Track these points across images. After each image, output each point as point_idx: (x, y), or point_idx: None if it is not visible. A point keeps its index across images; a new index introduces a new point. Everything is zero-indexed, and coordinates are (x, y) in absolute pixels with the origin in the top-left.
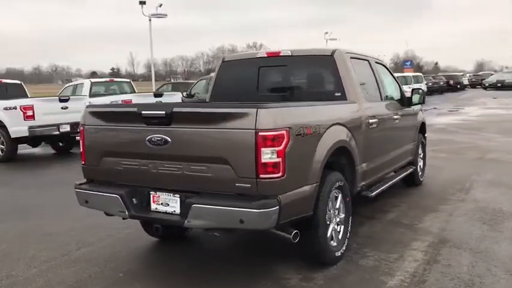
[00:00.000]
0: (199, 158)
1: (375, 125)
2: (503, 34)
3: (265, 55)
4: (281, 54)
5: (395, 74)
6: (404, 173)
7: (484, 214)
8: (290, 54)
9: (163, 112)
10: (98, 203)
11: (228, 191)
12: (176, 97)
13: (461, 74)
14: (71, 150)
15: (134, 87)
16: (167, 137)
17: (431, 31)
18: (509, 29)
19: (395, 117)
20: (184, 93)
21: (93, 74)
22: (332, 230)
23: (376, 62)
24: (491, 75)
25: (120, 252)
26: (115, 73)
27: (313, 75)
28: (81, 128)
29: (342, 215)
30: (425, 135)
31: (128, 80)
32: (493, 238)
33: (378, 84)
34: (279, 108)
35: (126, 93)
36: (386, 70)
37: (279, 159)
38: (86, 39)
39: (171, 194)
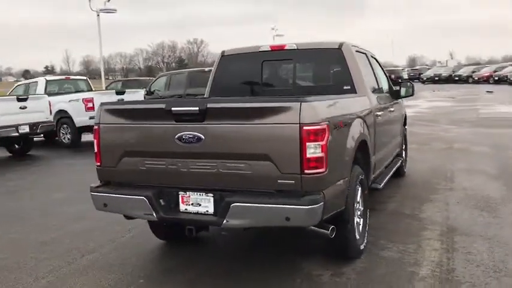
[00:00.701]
0: (236, 155)
1: (380, 118)
2: (434, 30)
3: (269, 49)
4: (286, 47)
5: None
6: (397, 165)
7: (477, 201)
8: (296, 47)
9: (197, 108)
10: (119, 206)
11: (268, 188)
12: (139, 94)
13: (402, 68)
14: (29, 153)
15: (91, 85)
16: (200, 134)
17: (366, 28)
18: (440, 25)
19: (391, 109)
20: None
21: (26, 73)
22: (356, 223)
23: (371, 55)
24: (428, 69)
25: (130, 257)
26: (49, 71)
27: (321, 69)
28: (96, 127)
29: (362, 208)
30: (406, 127)
31: (85, 78)
32: (497, 224)
33: (375, 77)
34: (318, 101)
35: (82, 91)
36: (377, 63)
37: (323, 154)
38: (15, 36)
39: (203, 194)
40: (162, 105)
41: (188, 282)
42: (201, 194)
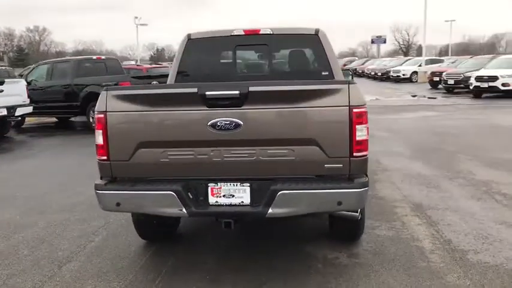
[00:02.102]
0: (279, 141)
1: None
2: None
3: (243, 33)
4: (261, 32)
5: None
6: None
7: (416, 179)
8: (271, 32)
9: (237, 92)
10: (139, 203)
11: (313, 173)
12: (21, 84)
13: None
14: (6, 135)
15: None
16: (239, 120)
17: (220, 20)
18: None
19: None
20: None
21: None
22: None
23: None
24: None
25: (119, 261)
26: None
27: (297, 55)
28: (101, 116)
29: None
30: None
31: None
32: (450, 198)
33: None
34: (356, 83)
35: None
36: None
37: (367, 137)
38: None
39: (238, 184)
40: (193, 89)
41: (203, 278)
42: (236, 184)
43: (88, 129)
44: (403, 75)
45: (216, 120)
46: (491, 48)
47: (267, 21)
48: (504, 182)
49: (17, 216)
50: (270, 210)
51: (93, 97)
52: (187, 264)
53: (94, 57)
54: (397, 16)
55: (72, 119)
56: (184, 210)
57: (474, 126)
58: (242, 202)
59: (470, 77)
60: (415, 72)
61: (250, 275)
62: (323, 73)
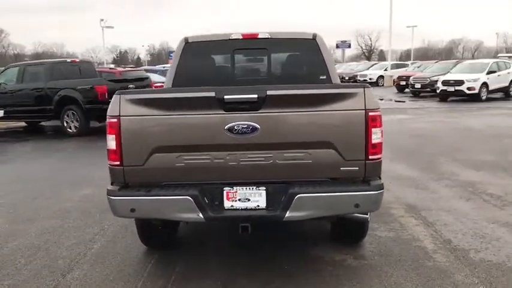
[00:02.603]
0: (296, 145)
1: None
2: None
3: (241, 37)
4: (259, 36)
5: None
6: None
7: (403, 181)
8: (269, 36)
9: (255, 96)
10: (155, 209)
11: (329, 176)
12: None
13: None
14: None
15: None
16: (256, 124)
17: (183, 23)
18: (252, 24)
19: None
20: None
21: None
22: None
23: None
24: None
25: (124, 268)
26: None
27: (296, 59)
28: (114, 121)
29: None
30: None
31: None
32: (440, 198)
33: None
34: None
35: None
36: None
37: (381, 140)
38: None
39: (254, 188)
40: (211, 93)
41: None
42: (252, 188)
43: (61, 134)
44: (370, 79)
45: (233, 124)
46: (449, 53)
47: (232, 23)
48: (488, 183)
49: (6, 224)
50: (287, 214)
51: (68, 101)
52: (196, 270)
53: (68, 59)
54: (359, 21)
55: (43, 123)
56: (201, 215)
57: (447, 129)
58: (258, 206)
59: (437, 81)
60: (382, 77)
61: (263, 279)
62: (321, 77)
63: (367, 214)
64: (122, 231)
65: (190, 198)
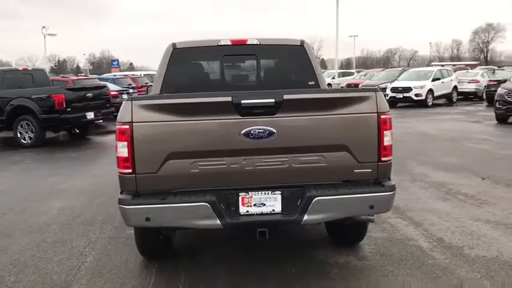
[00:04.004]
0: (311, 148)
1: None
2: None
3: (230, 43)
4: (248, 42)
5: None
6: None
7: None
8: (258, 43)
9: (273, 100)
10: (171, 217)
11: (343, 178)
12: None
13: None
14: None
15: None
16: (272, 128)
17: (124, 32)
18: (194, 33)
19: None
20: None
21: None
22: None
23: None
24: None
25: (127, 281)
26: None
27: (284, 65)
28: (126, 127)
29: None
30: None
31: None
32: (419, 199)
33: None
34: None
35: None
36: None
37: (391, 142)
38: None
39: (269, 192)
40: (227, 98)
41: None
42: (267, 192)
43: (14, 146)
44: None
45: (250, 128)
46: (386, 61)
47: (172, 31)
48: (459, 183)
49: None
50: (305, 217)
51: (21, 110)
52: (202, 278)
53: (20, 67)
54: (302, 31)
55: None
56: (218, 221)
57: (404, 134)
58: (273, 210)
59: (385, 88)
60: (329, 84)
61: (274, 285)
62: (309, 83)
63: (372, 215)
64: (112, 243)
65: (208, 204)
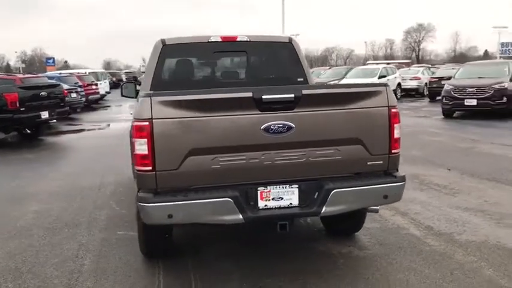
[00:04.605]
0: (327, 142)
1: None
2: (125, 36)
3: (220, 39)
4: (238, 39)
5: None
6: None
7: None
8: (248, 39)
9: (292, 95)
10: (194, 213)
11: (356, 171)
12: None
13: (122, 72)
14: None
15: None
16: (291, 123)
17: (56, 29)
18: (129, 31)
19: None
20: None
21: None
22: None
23: None
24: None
25: (136, 282)
26: None
27: (274, 61)
28: (146, 124)
29: None
30: None
31: None
32: None
33: None
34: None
35: None
36: None
37: (400, 135)
38: None
39: (287, 186)
40: (248, 94)
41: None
42: (284, 186)
43: None
44: None
45: (270, 123)
46: (324, 60)
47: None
48: (429, 174)
49: None
50: (323, 209)
51: None
52: (213, 275)
53: None
54: (244, 29)
55: None
56: (240, 216)
57: None
58: (291, 204)
59: None
60: None
61: (287, 277)
62: (298, 79)
63: (377, 206)
64: (106, 245)
65: (230, 199)
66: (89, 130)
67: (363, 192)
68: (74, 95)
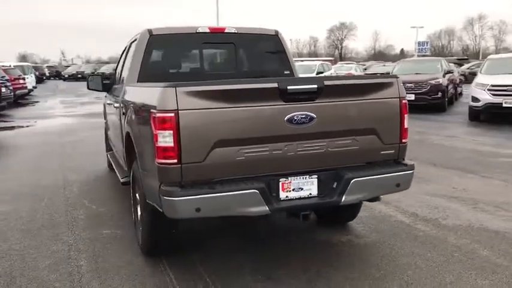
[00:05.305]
0: (346, 132)
1: None
2: (41, 28)
3: (208, 30)
4: (226, 31)
5: None
6: None
7: None
8: (235, 31)
9: (315, 86)
10: (222, 206)
11: (370, 160)
12: None
13: (45, 66)
14: None
15: None
16: (313, 114)
17: None
18: (45, 23)
19: None
20: None
21: None
22: None
23: None
24: (67, 67)
25: (147, 280)
26: None
27: (262, 54)
28: (171, 115)
29: None
30: None
31: None
32: None
33: None
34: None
35: None
36: None
37: (408, 125)
38: None
39: (307, 177)
40: (273, 84)
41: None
42: (304, 177)
43: None
44: None
45: (293, 114)
46: None
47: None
48: None
49: None
50: (343, 198)
51: None
52: (224, 269)
53: None
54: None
55: None
56: (266, 207)
57: None
58: (310, 194)
59: None
60: None
61: (299, 268)
62: (285, 72)
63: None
64: (97, 244)
65: (257, 191)
66: (25, 127)
67: (380, 181)
68: (3, 89)
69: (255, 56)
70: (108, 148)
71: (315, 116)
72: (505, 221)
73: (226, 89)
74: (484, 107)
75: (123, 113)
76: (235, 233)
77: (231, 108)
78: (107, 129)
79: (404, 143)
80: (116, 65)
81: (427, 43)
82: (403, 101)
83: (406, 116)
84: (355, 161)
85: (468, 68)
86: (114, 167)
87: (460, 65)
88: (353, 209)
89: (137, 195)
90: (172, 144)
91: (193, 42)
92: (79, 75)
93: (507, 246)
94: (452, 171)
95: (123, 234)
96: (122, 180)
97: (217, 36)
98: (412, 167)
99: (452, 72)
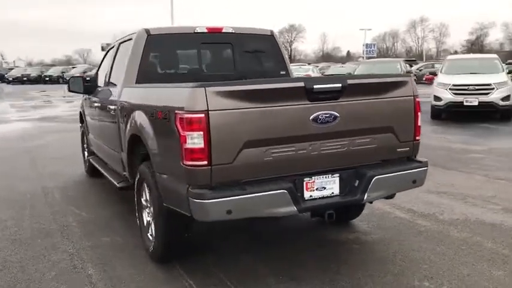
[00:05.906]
0: (366, 131)
1: None
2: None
3: (206, 30)
4: (224, 31)
5: None
6: None
7: None
8: (233, 31)
9: (339, 85)
10: (253, 207)
11: (387, 157)
12: None
13: None
14: None
15: None
16: (336, 113)
17: None
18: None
19: None
20: None
21: None
22: None
23: None
24: (10, 69)
25: (163, 286)
26: None
27: (259, 54)
28: (201, 116)
29: None
30: None
31: None
32: None
33: None
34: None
35: None
36: None
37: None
38: None
39: (329, 176)
40: (300, 83)
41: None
42: (327, 176)
43: None
44: None
45: (318, 113)
46: None
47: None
48: None
49: None
50: (365, 196)
51: None
52: (243, 273)
53: None
54: (131, 25)
55: None
56: (294, 207)
57: None
58: (332, 193)
59: None
60: None
61: (316, 267)
62: (281, 72)
63: None
64: (100, 252)
65: (286, 191)
66: None
67: (399, 178)
68: None
69: (252, 56)
70: (90, 153)
71: (338, 115)
72: (497, 214)
73: (255, 89)
74: (446, 106)
75: (124, 115)
76: (243, 234)
77: (258, 108)
78: (86, 134)
79: (418, 140)
80: (97, 67)
81: (374, 45)
82: (417, 99)
83: (419, 113)
84: (372, 159)
85: (417, 69)
86: (102, 172)
87: (410, 66)
88: (360, 208)
89: (143, 199)
90: (202, 146)
91: (192, 43)
92: (24, 78)
93: (508, 238)
94: (432, 167)
95: (124, 240)
96: (118, 185)
97: (215, 36)
98: (426, 164)
99: (411, 73)
